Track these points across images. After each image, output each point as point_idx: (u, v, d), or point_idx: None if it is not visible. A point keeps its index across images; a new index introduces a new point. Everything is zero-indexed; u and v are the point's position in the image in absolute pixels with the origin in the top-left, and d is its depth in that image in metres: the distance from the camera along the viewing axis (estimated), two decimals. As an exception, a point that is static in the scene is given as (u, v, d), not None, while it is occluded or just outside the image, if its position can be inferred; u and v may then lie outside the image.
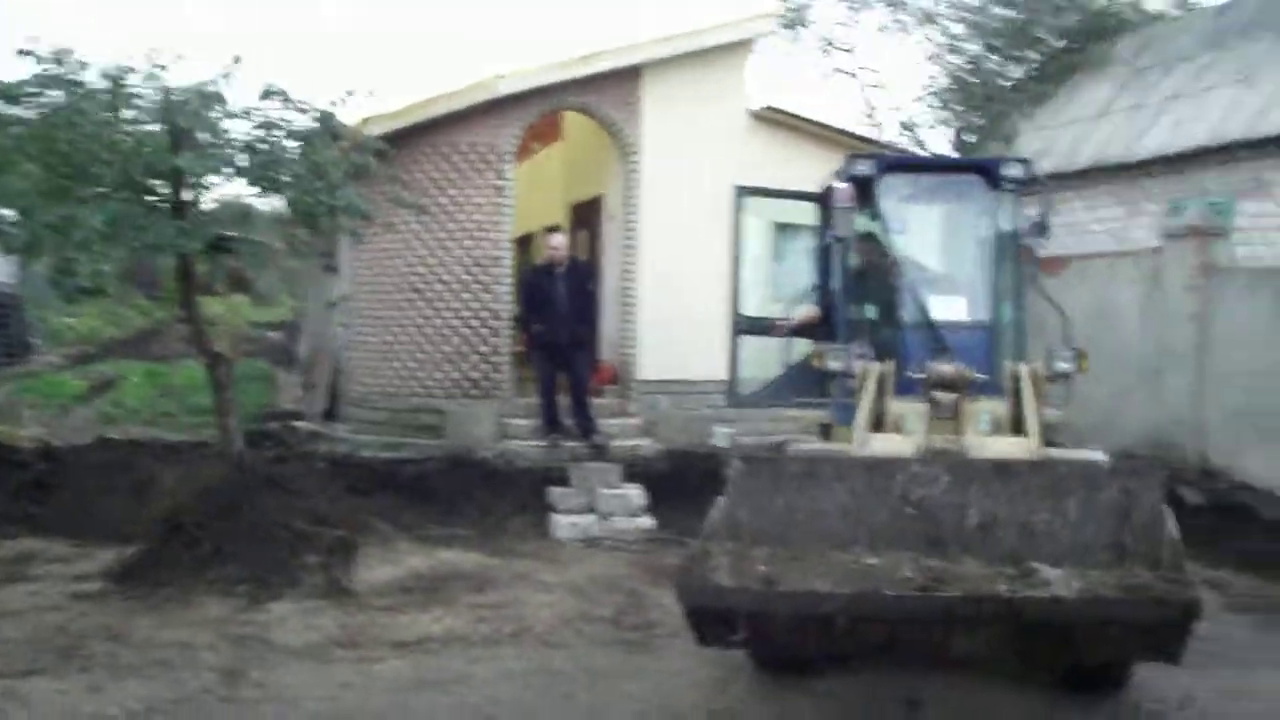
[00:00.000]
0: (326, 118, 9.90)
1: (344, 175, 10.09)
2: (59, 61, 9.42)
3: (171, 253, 10.07)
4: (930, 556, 5.30)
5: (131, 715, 6.56)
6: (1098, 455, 7.50)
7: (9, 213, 9.85)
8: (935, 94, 25.27)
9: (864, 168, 8.77)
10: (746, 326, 10.65)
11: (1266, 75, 16.34)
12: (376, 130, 11.77)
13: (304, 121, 9.86)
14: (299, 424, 15.37)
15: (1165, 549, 5.24)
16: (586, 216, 16.86)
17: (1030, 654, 5.58)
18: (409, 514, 11.70)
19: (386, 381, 14.48)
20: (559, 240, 13.89)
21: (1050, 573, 5.00)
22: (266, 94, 9.66)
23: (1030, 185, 8.94)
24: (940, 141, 25.45)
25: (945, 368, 6.77)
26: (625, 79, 14.70)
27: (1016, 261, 8.79)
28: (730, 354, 10.77)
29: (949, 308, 8.45)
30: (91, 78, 9.55)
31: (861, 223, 9.01)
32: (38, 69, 9.42)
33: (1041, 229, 8.78)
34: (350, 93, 9.94)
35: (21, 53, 9.45)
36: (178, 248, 9.78)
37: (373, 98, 10.59)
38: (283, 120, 9.85)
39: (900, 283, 8.49)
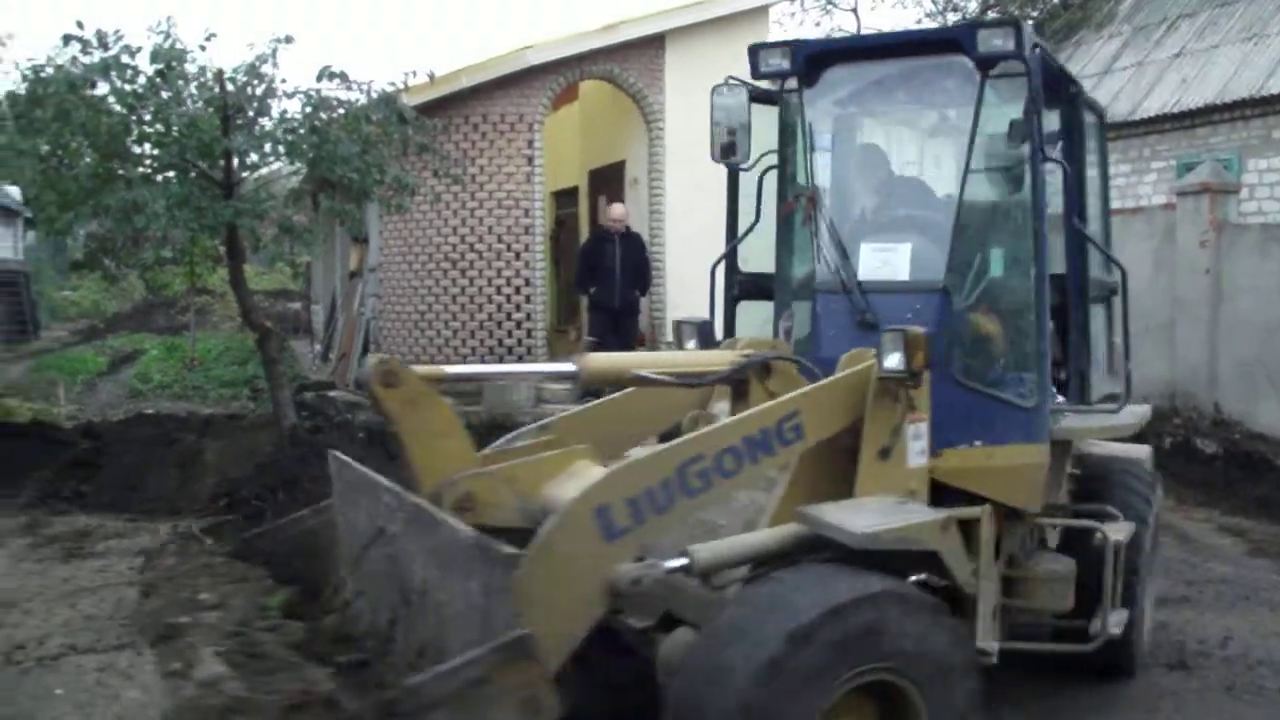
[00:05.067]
0: (391, 99, 10.07)
1: (395, 152, 10.28)
2: (103, 45, 9.49)
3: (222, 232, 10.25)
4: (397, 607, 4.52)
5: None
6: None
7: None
8: (935, 53, 25.40)
9: (776, 61, 6.08)
10: (749, 288, 6.79)
11: (1273, 32, 16.58)
12: (409, 102, 11.95)
13: (359, 100, 10.00)
14: (335, 394, 15.55)
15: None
16: (606, 181, 17.03)
17: None
18: (450, 480, 11.85)
19: (421, 350, 14.69)
20: (620, 211, 14.16)
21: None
22: (323, 75, 9.79)
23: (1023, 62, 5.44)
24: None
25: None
26: (649, 47, 14.90)
27: (1022, 191, 5.73)
28: (725, 324, 6.68)
29: (880, 261, 5.76)
30: (142, 60, 9.65)
31: (763, 148, 6.41)
32: (85, 56, 9.52)
33: (1069, 135, 6.46)
34: (413, 73, 10.15)
35: (67, 38, 9.54)
36: (235, 227, 9.96)
37: (431, 81, 10.59)
38: (336, 100, 10.00)
39: (819, 228, 5.91)
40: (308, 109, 9.95)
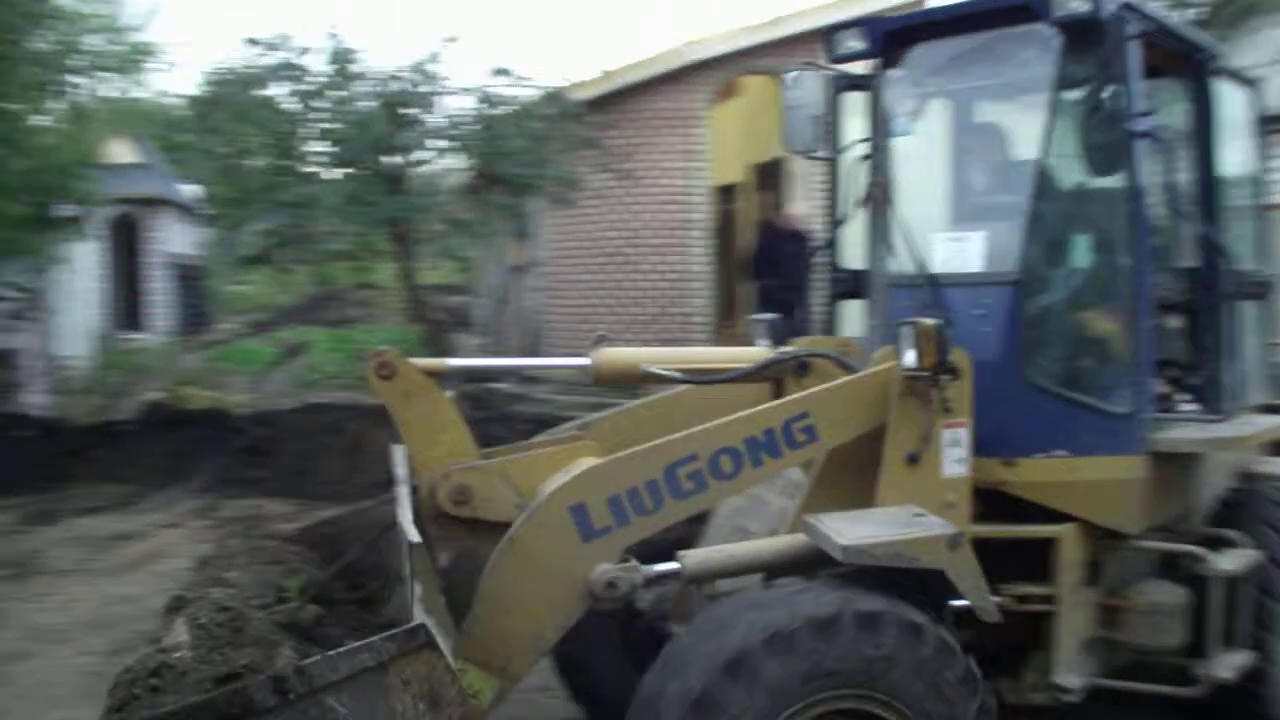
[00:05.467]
0: (558, 95, 10.20)
1: (561, 147, 10.39)
2: (279, 47, 9.79)
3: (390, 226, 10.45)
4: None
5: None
6: None
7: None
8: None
9: (853, 42, 5.49)
10: (850, 285, 5.97)
11: None
12: (574, 98, 12.06)
13: (526, 96, 10.15)
14: (497, 385, 15.73)
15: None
16: (768, 177, 16.96)
17: None
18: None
19: (584, 344, 14.76)
20: (801, 211, 14.10)
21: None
22: (497, 73, 9.96)
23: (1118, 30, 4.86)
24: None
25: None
26: (810, 42, 14.71)
27: (1115, 172, 4.95)
28: (827, 323, 6.12)
29: (954, 252, 5.30)
30: (314, 61, 9.94)
31: (856, 129, 5.82)
32: (263, 58, 9.83)
33: (1199, 111, 5.65)
34: (576, 70, 10.27)
35: (250, 41, 9.87)
36: (405, 221, 10.17)
37: (603, 76, 10.71)
38: (499, 96, 10.16)
39: (888, 218, 5.43)
40: (480, 105, 10.13)
